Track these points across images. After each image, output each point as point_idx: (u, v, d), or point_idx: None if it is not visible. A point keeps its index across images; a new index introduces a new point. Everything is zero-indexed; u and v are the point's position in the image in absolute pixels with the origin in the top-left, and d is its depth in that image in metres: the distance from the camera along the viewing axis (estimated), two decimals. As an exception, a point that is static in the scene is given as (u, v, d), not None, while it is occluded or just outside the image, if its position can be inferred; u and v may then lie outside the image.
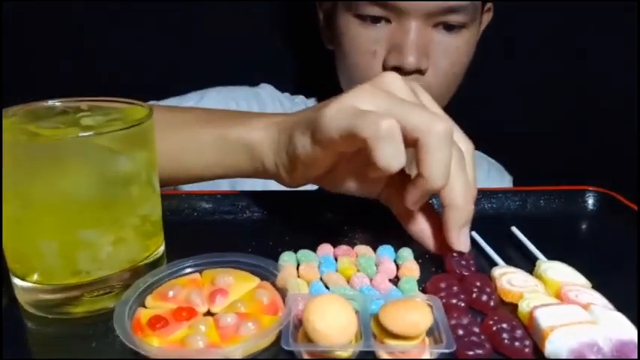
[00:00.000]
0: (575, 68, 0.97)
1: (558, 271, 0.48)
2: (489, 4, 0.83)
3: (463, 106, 0.97)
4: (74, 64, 0.92)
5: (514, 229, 0.56)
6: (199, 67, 0.96)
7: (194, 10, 0.94)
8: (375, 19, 0.74)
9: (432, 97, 0.73)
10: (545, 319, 0.40)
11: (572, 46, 0.96)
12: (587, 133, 1.00)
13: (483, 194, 0.64)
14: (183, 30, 0.95)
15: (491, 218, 0.62)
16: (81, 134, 0.41)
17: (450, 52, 0.76)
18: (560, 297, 0.44)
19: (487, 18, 0.85)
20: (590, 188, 0.65)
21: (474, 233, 0.55)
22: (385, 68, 0.75)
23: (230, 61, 0.97)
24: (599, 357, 0.38)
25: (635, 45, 0.94)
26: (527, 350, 0.39)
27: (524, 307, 0.43)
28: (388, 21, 0.74)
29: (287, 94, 0.97)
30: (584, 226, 0.62)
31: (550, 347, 0.39)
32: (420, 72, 0.74)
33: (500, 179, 0.98)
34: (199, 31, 0.96)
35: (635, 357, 0.38)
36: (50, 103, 0.48)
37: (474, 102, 0.98)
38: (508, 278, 0.47)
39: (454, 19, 0.73)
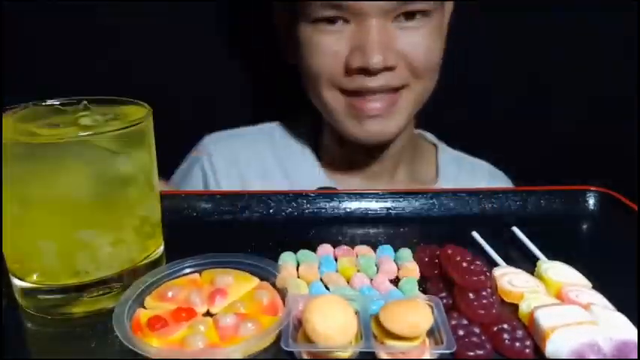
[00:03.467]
0: (575, 68, 0.97)
1: (559, 272, 0.47)
2: None
3: (463, 106, 0.97)
4: (74, 64, 0.92)
5: (515, 229, 0.56)
6: (199, 67, 0.96)
7: (194, 10, 0.94)
8: (332, 20, 0.72)
9: (413, 84, 0.75)
10: (545, 319, 0.40)
11: (572, 45, 0.96)
12: (587, 133, 1.00)
13: (483, 194, 0.64)
14: (183, 30, 0.95)
15: (492, 218, 0.62)
16: (80, 134, 0.41)
17: (419, 41, 0.74)
18: (561, 297, 0.44)
19: (450, 8, 0.82)
20: (591, 188, 0.64)
21: (474, 233, 0.55)
22: (348, 69, 0.72)
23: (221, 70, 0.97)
24: (600, 357, 0.37)
25: (636, 45, 0.94)
26: (527, 351, 0.39)
27: (524, 307, 0.43)
28: (346, 21, 0.72)
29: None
30: (584, 226, 0.62)
31: (551, 347, 0.39)
32: (389, 69, 0.72)
33: None
34: (199, 31, 0.95)
35: (635, 357, 0.38)
36: (49, 103, 0.48)
37: (474, 102, 0.98)
38: (509, 279, 0.47)
39: (413, 7, 0.72)
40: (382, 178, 0.87)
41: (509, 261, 0.51)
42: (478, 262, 0.44)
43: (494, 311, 0.41)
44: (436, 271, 0.48)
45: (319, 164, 0.87)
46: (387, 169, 0.87)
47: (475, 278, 0.42)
